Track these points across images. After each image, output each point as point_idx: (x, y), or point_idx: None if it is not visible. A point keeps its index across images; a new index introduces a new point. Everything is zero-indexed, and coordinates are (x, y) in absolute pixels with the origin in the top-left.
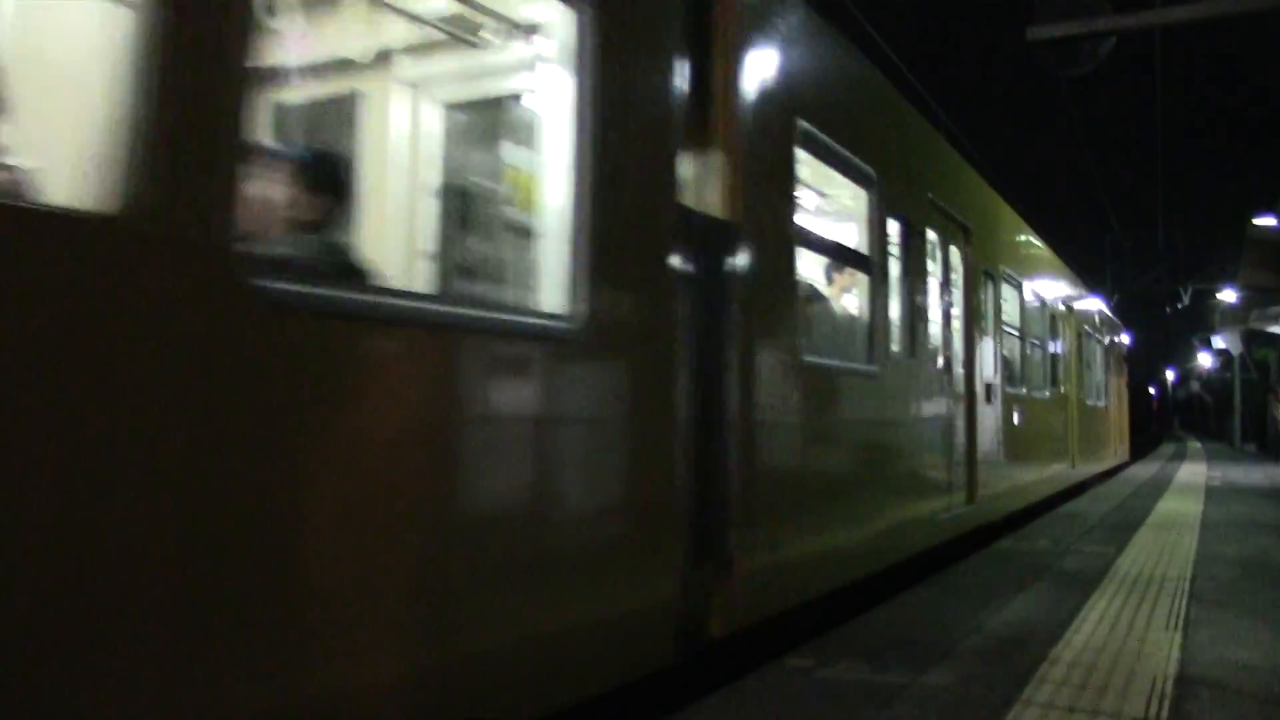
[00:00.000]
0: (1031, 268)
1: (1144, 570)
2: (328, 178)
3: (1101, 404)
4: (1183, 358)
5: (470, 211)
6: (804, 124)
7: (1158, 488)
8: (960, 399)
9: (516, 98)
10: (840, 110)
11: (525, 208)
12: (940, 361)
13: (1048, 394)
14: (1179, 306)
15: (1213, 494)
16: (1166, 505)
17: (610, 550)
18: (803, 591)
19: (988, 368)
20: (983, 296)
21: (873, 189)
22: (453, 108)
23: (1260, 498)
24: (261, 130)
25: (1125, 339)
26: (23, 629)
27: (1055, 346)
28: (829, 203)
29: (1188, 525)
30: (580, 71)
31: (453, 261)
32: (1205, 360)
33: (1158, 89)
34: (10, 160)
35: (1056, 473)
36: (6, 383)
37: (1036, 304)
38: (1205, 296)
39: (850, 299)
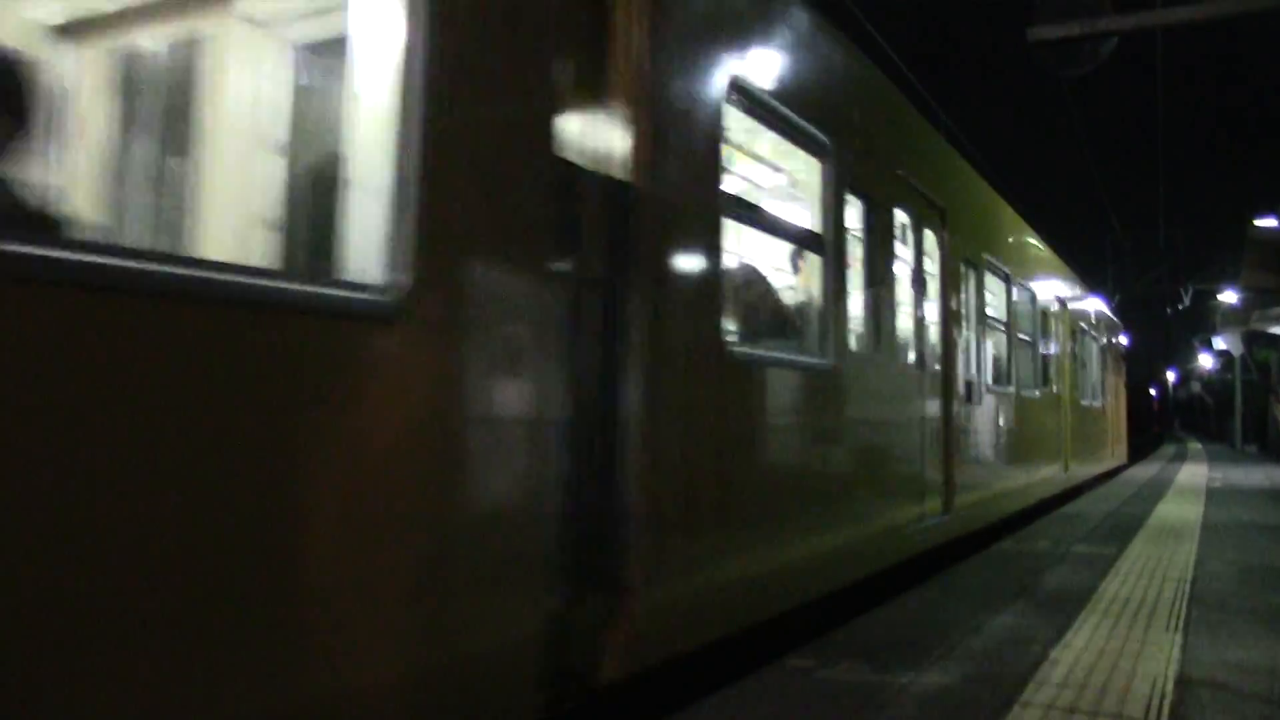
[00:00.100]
0: (1020, 259)
1: (1144, 571)
2: None
3: (1098, 404)
4: (1183, 359)
5: (304, 165)
6: (739, 78)
7: (1158, 489)
8: (936, 398)
9: (356, 30)
10: (787, 67)
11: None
12: (911, 356)
13: (1038, 393)
14: (1180, 307)
15: (1213, 495)
16: (1166, 509)
17: (434, 580)
18: (732, 621)
19: (969, 364)
20: (963, 287)
21: (828, 160)
22: (304, 49)
23: (1262, 500)
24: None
25: (1123, 339)
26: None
27: (1047, 343)
28: (773, 173)
29: (1188, 530)
30: None
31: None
32: (1206, 361)
33: (1159, 90)
34: None
35: (1047, 476)
36: None
37: (1026, 298)
38: (1206, 297)
39: (809, 284)
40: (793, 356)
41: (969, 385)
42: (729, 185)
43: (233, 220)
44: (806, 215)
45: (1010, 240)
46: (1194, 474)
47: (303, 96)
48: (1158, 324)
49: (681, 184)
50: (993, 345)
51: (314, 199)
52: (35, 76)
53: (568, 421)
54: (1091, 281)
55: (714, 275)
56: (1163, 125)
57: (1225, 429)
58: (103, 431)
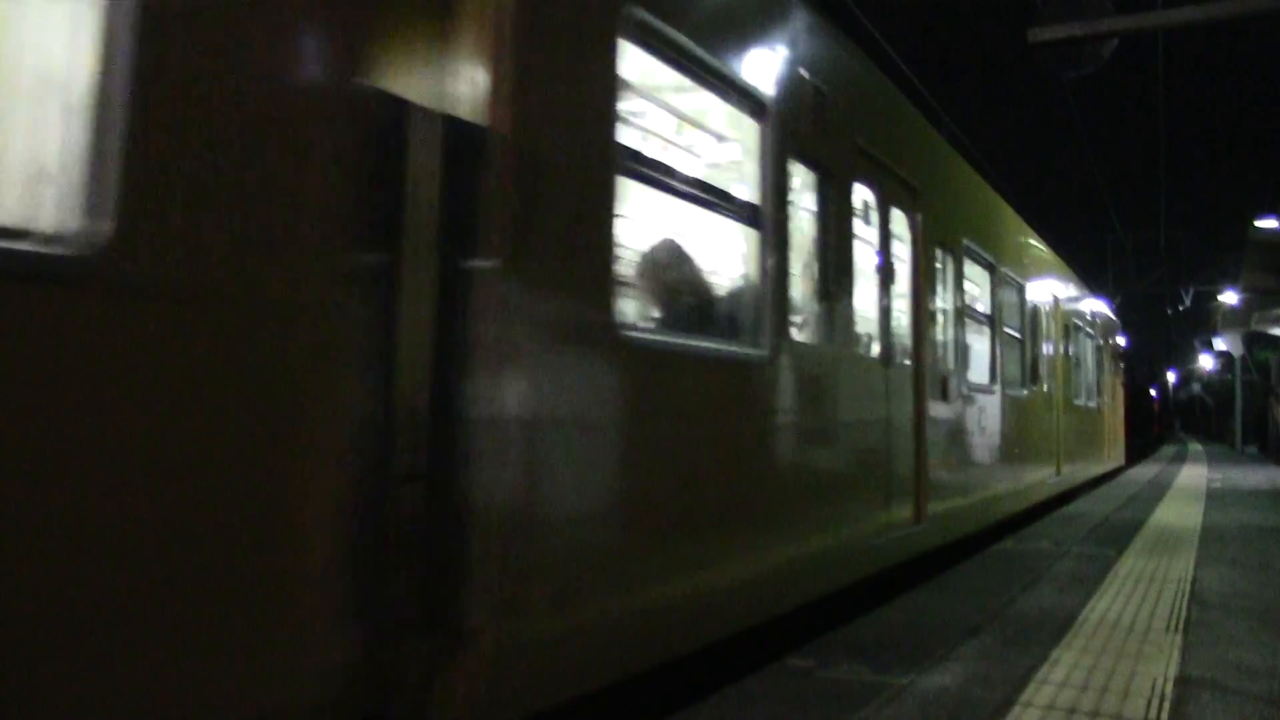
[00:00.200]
0: (1007, 248)
1: (1144, 573)
2: None
3: (1093, 404)
4: (1184, 359)
5: None
6: (637, 11)
7: (1157, 491)
8: (905, 395)
9: None
10: (706, 6)
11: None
12: (874, 349)
13: (1027, 392)
14: (1180, 308)
15: (1214, 496)
16: (1165, 511)
17: (155, 623)
18: (627, 663)
19: (945, 359)
20: (938, 275)
21: (766, 121)
22: None
23: (1262, 501)
24: None
25: (1121, 338)
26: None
27: (1038, 340)
28: (698, 133)
29: (1187, 534)
30: None
31: None
32: (1206, 362)
33: (1160, 91)
34: None
35: (1037, 481)
36: None
37: (1013, 290)
38: (1207, 298)
39: (746, 264)
40: (714, 346)
41: (945, 382)
42: (631, 140)
43: None
44: (740, 183)
45: (995, 228)
46: (1194, 475)
47: None
48: (1158, 325)
49: (558, 133)
50: (975, 340)
51: None
52: None
53: (372, 424)
54: (1092, 281)
55: (602, 247)
56: (1163, 126)
57: (1225, 430)
58: None
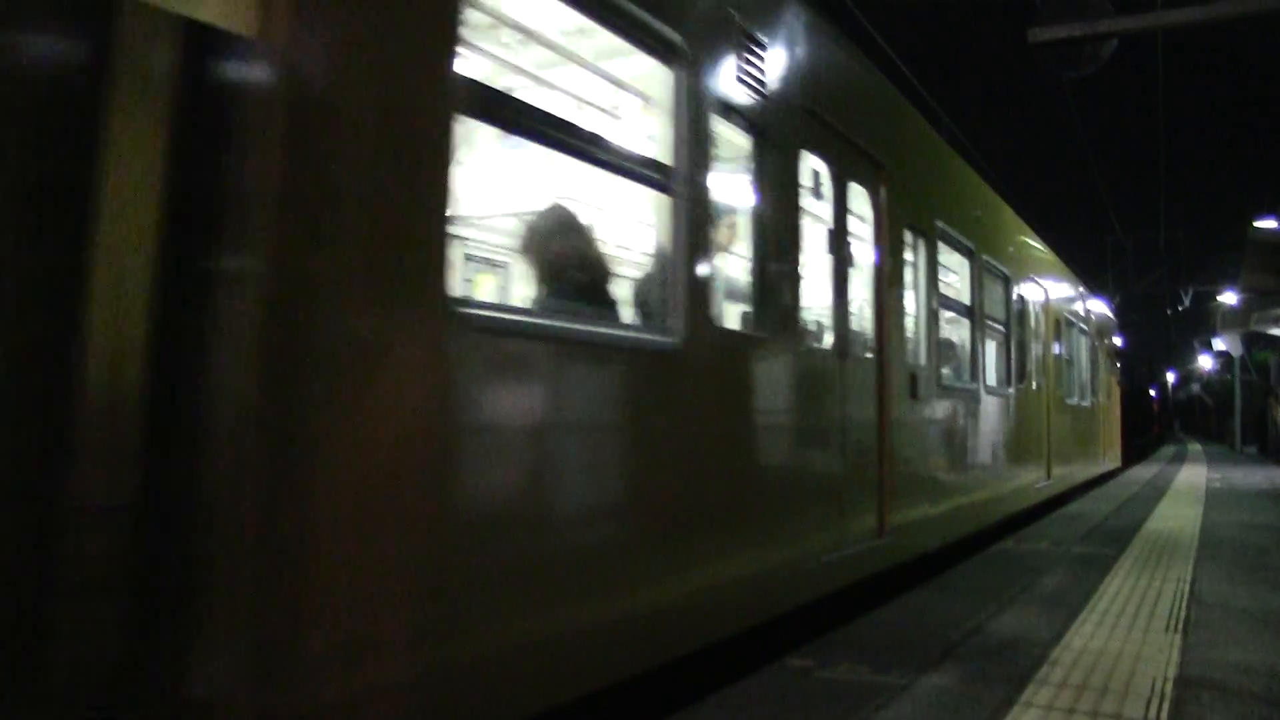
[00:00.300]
0: (990, 235)
1: (1143, 573)
2: None
3: (1087, 403)
4: (1183, 360)
5: None
6: None
7: (1156, 491)
8: (865, 393)
9: None
10: None
11: None
12: (826, 339)
13: (1013, 390)
14: (1180, 308)
15: (1213, 496)
16: (1164, 511)
17: None
18: None
19: (915, 353)
20: (908, 260)
21: (680, 67)
22: None
23: (1262, 501)
24: None
25: (1118, 340)
26: None
27: (1026, 335)
28: (581, 70)
29: (1186, 534)
30: None
31: None
32: (1206, 362)
33: (1160, 92)
34: None
35: (1022, 486)
36: None
37: (997, 281)
38: (1206, 299)
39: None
40: (596, 330)
41: (914, 378)
42: (482, 73)
43: None
44: (646, 140)
45: (976, 213)
46: (1193, 475)
47: None
48: (1158, 325)
49: (362, 54)
50: (951, 333)
51: None
52: None
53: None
54: (1091, 281)
55: (430, 206)
56: (1163, 127)
57: (1225, 430)
58: None
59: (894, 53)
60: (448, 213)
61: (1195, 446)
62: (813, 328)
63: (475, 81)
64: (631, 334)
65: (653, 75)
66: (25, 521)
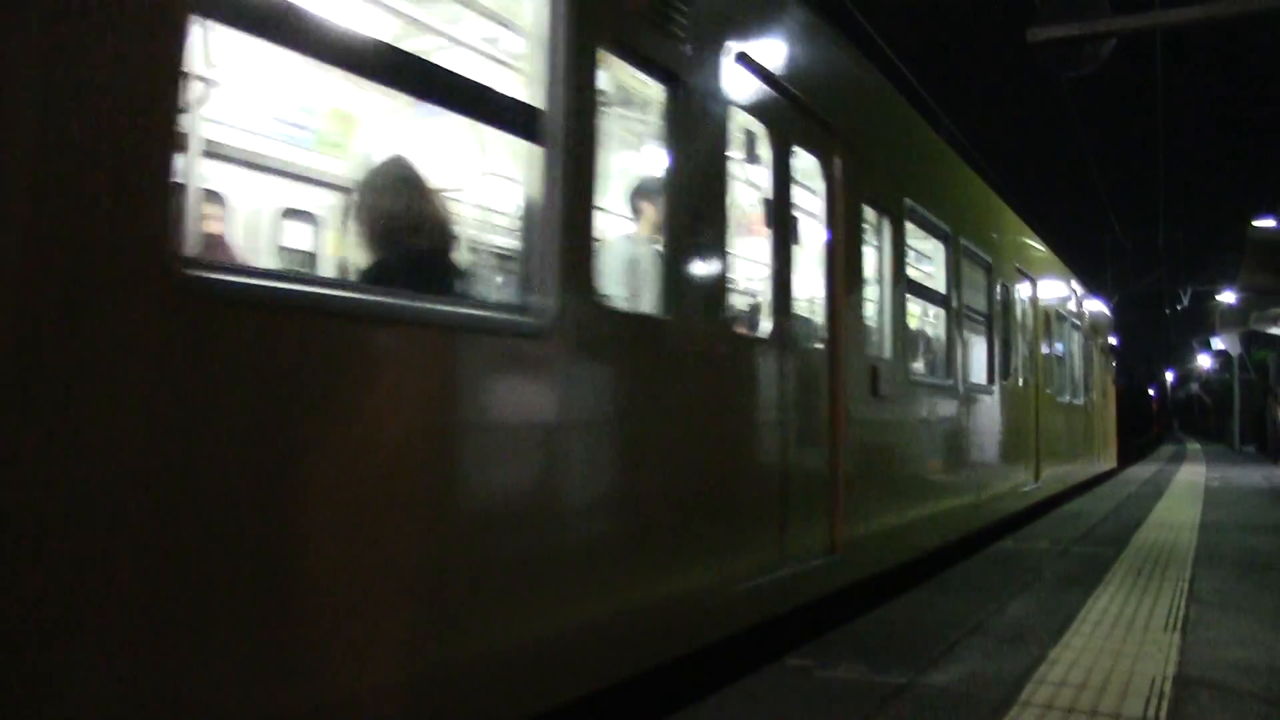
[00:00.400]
0: (970, 219)
1: (1142, 572)
2: None
3: (1080, 402)
4: (1182, 359)
5: None
6: None
7: (1156, 489)
8: (814, 388)
9: None
10: None
11: None
12: (761, 326)
13: (996, 387)
14: (1179, 308)
15: (1211, 495)
16: (1163, 509)
17: None
18: None
19: (879, 344)
20: (867, 239)
21: None
22: None
23: (1260, 500)
24: None
25: (1113, 339)
26: None
27: (1011, 328)
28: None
29: (1185, 533)
30: None
31: None
32: (1205, 361)
33: (1159, 91)
34: None
35: (1010, 489)
36: None
37: (979, 269)
38: (1205, 298)
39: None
40: (428, 306)
41: (875, 372)
42: None
43: None
44: (509, 77)
45: (954, 193)
46: (1192, 474)
47: None
48: (1157, 324)
49: None
50: (924, 324)
51: None
52: None
53: None
54: (1090, 280)
55: (141, 129)
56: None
57: (1223, 429)
58: None
59: (893, 52)
60: (175, 140)
61: (1194, 446)
62: (744, 311)
63: None
64: (473, 311)
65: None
66: None
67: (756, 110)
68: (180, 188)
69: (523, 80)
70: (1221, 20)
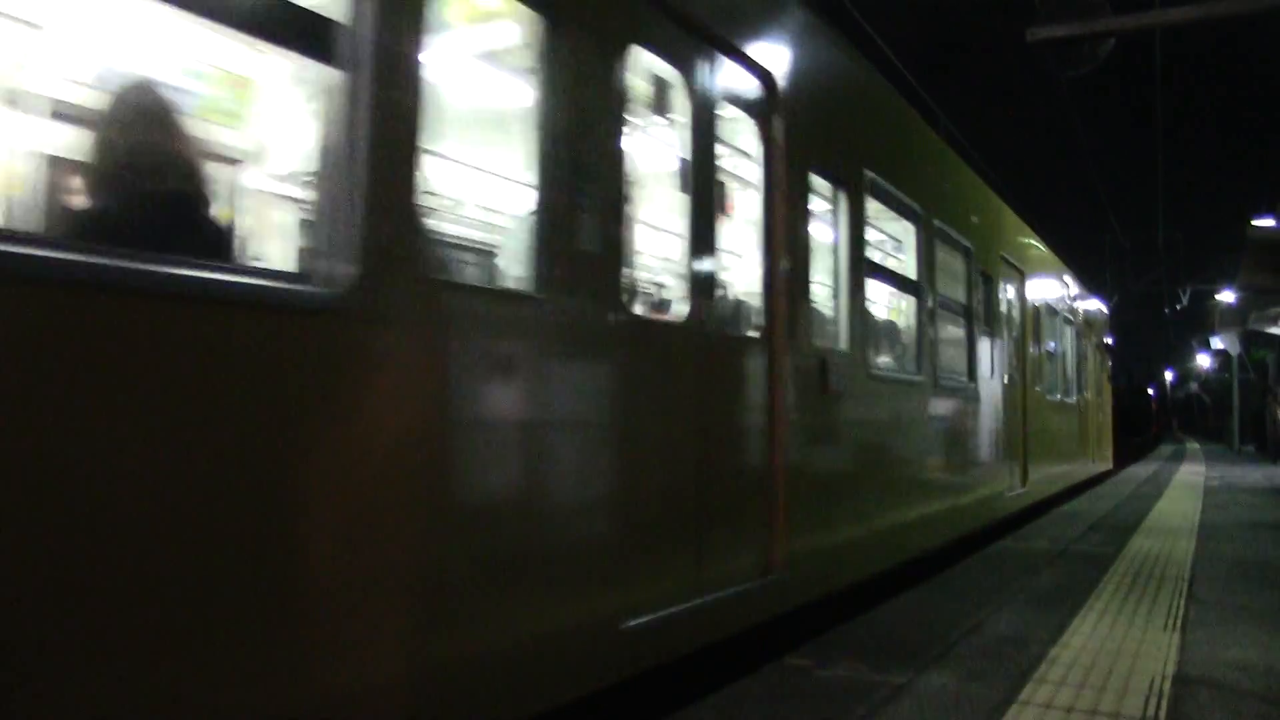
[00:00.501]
0: (946, 198)
1: (1141, 572)
2: None
3: (1072, 400)
4: (1182, 359)
5: None
6: None
7: (1156, 488)
8: (747, 382)
9: None
10: None
11: None
12: (673, 309)
13: (975, 384)
14: (1178, 307)
15: (1211, 494)
16: (1163, 509)
17: None
18: None
19: (832, 334)
20: (816, 213)
21: None
22: None
23: (1260, 499)
24: None
25: (1108, 325)
26: None
27: (995, 320)
28: None
29: (1184, 532)
30: None
31: None
32: (1204, 361)
33: (1158, 91)
34: None
35: (988, 496)
36: None
37: (956, 255)
38: (1204, 297)
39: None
40: (149, 269)
41: (825, 365)
42: None
43: None
44: None
45: (928, 170)
46: (1191, 473)
47: None
48: (1156, 324)
49: None
50: (892, 312)
51: None
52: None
53: None
54: (1088, 280)
55: None
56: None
57: (1223, 429)
58: None
59: (892, 52)
60: None
61: (1193, 445)
62: (649, 290)
63: None
64: (227, 278)
65: None
66: None
67: (664, 49)
68: None
69: None
70: (1220, 19)
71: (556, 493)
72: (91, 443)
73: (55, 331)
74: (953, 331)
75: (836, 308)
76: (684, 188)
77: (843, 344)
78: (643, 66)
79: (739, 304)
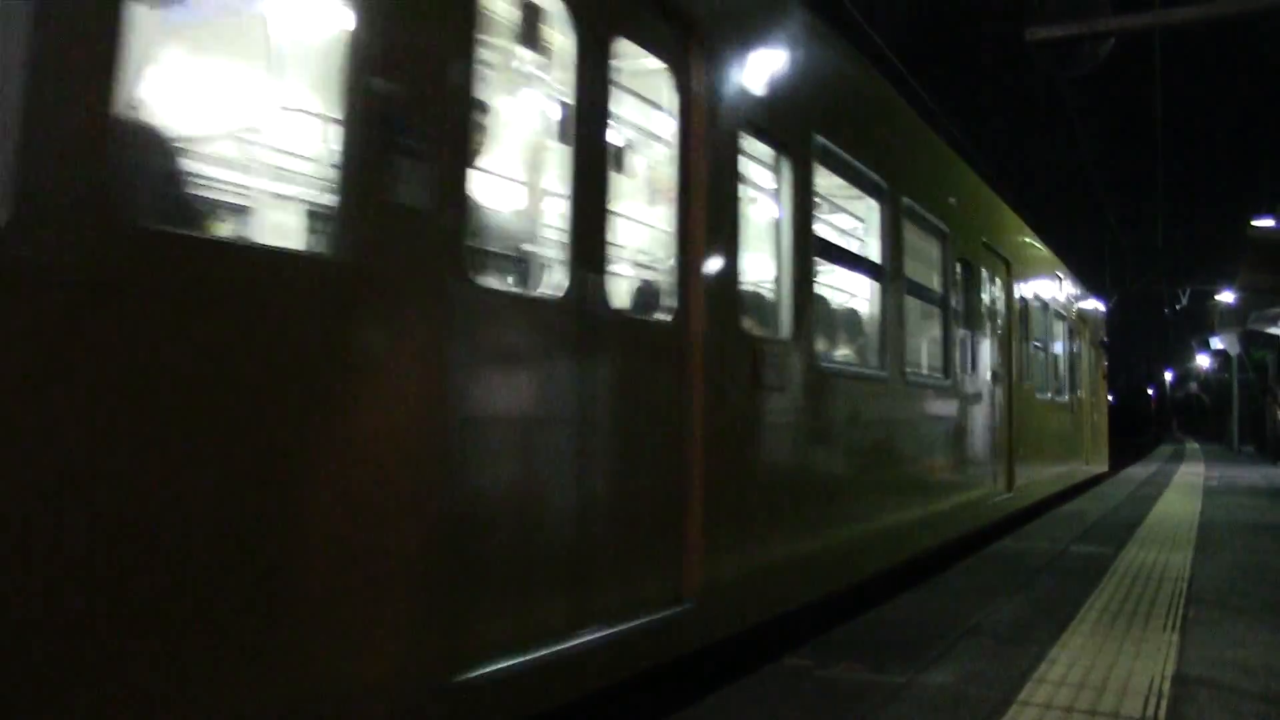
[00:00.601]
0: (918, 176)
1: (1141, 572)
2: None
3: (1064, 399)
4: (1181, 359)
5: None
6: None
7: (1156, 488)
8: (654, 374)
9: None
10: None
11: None
12: (548, 280)
13: (950, 381)
14: (1178, 307)
15: (1211, 495)
16: (1163, 508)
17: None
18: None
19: (770, 319)
20: (751, 179)
21: None
22: None
23: (1259, 499)
24: None
25: (1104, 321)
26: None
27: (975, 311)
28: None
29: (1184, 532)
30: None
31: None
32: (1204, 361)
33: (1157, 91)
34: None
35: (966, 502)
36: None
37: (933, 239)
38: (1204, 297)
39: None
40: None
41: (758, 355)
42: None
43: None
44: None
45: (895, 141)
46: (1191, 473)
47: None
48: (1156, 324)
49: None
50: (844, 297)
51: None
52: None
53: None
54: (1088, 279)
55: None
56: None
57: (1223, 429)
58: None
59: (890, 49)
60: None
61: (1193, 445)
62: (510, 258)
63: None
64: None
65: None
66: None
67: None
68: None
69: None
70: (1220, 19)
71: (332, 512)
72: None
73: None
74: (926, 323)
75: (777, 291)
76: (564, 138)
77: (783, 332)
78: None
79: (643, 282)
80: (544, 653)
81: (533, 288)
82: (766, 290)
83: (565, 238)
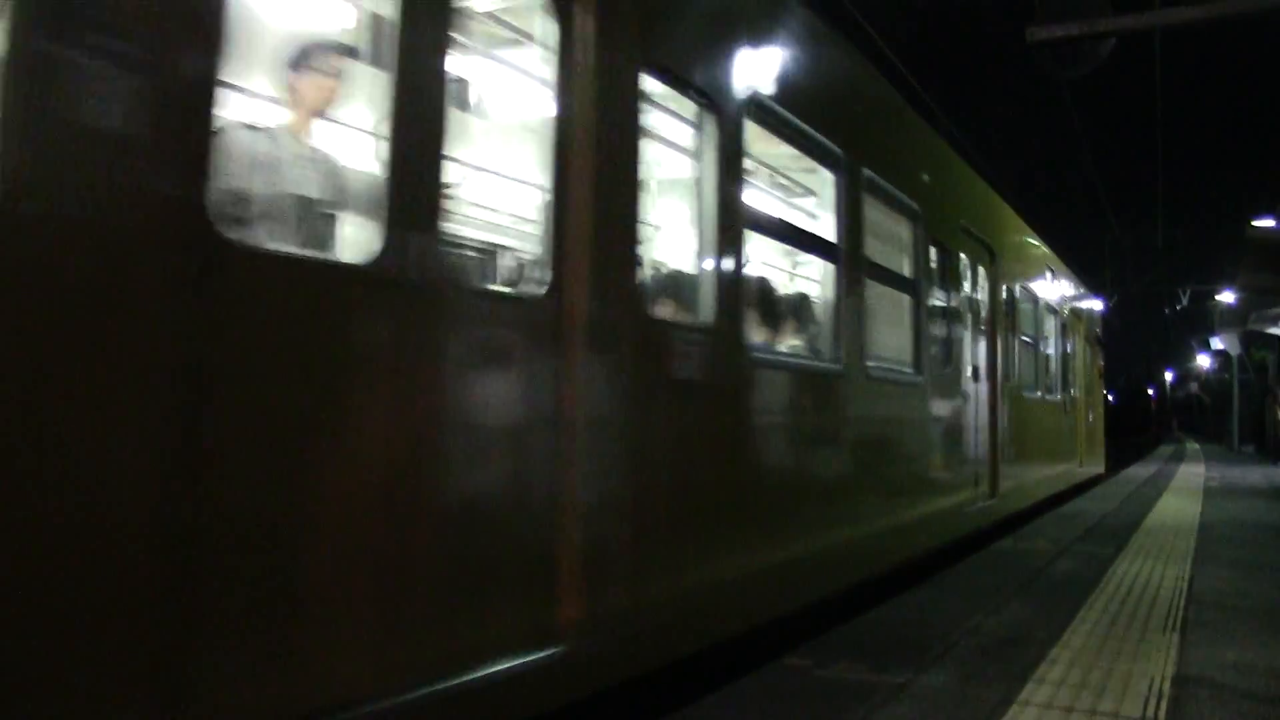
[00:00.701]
0: (884, 146)
1: (1141, 572)
2: None
3: (1056, 398)
4: (1181, 359)
5: None
6: None
7: (1155, 488)
8: (518, 364)
9: None
10: None
11: None
12: (360, 245)
13: (924, 377)
14: (1178, 308)
15: (1211, 495)
16: (1163, 509)
17: None
18: None
19: (688, 301)
20: (657, 134)
21: None
22: None
23: (1259, 499)
24: None
25: (1099, 318)
26: None
27: (956, 303)
28: None
29: (1184, 532)
30: None
31: None
32: (1204, 361)
33: (1157, 91)
34: None
35: (939, 512)
36: None
37: (902, 219)
38: (1204, 298)
39: None
40: None
41: (665, 340)
42: None
43: None
44: None
45: (851, 105)
46: (1191, 474)
47: None
48: (1156, 324)
49: None
50: (795, 280)
51: None
52: None
53: None
54: (1088, 279)
55: None
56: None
57: (1223, 429)
58: None
59: (889, 48)
60: None
61: (1193, 445)
62: (283, 212)
63: None
64: None
65: None
66: None
67: None
68: None
69: None
70: (1220, 20)
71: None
72: None
73: None
74: (893, 312)
75: (698, 267)
76: (378, 62)
77: (705, 316)
78: None
79: (499, 248)
80: (346, 716)
81: (325, 250)
82: (684, 267)
83: (378, 193)
